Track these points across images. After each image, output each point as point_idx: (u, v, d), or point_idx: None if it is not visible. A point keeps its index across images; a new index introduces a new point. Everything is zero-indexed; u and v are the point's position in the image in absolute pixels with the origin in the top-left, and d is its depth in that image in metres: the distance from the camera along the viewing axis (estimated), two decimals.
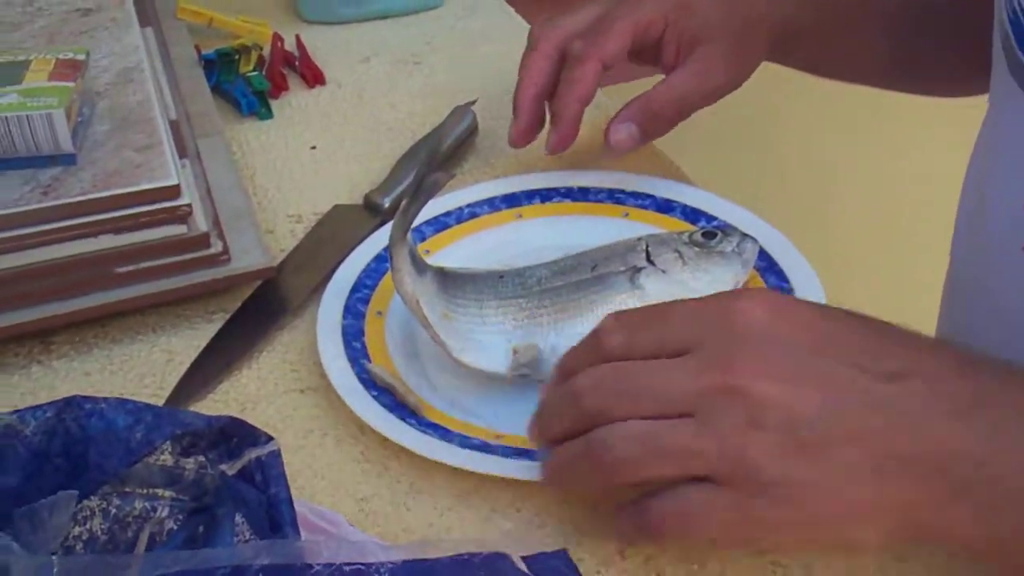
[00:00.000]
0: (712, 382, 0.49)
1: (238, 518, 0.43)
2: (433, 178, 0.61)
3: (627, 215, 0.75)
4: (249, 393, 0.66)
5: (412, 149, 0.82)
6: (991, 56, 0.69)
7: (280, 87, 0.93)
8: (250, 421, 0.50)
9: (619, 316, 0.54)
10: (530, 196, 0.77)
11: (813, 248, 0.70)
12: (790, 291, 0.67)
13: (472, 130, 0.84)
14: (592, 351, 0.54)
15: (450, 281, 0.66)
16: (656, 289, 0.66)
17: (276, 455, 0.47)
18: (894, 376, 0.49)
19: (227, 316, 0.71)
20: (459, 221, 0.75)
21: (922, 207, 1.20)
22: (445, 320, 0.64)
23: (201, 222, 0.70)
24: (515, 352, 0.64)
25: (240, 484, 0.45)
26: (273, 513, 0.44)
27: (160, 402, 0.65)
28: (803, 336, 0.50)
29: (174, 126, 0.77)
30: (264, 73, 0.93)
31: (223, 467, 0.46)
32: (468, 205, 0.76)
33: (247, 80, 0.92)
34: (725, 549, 0.54)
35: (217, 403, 0.66)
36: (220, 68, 0.93)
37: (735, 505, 0.49)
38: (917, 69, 0.85)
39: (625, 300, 0.65)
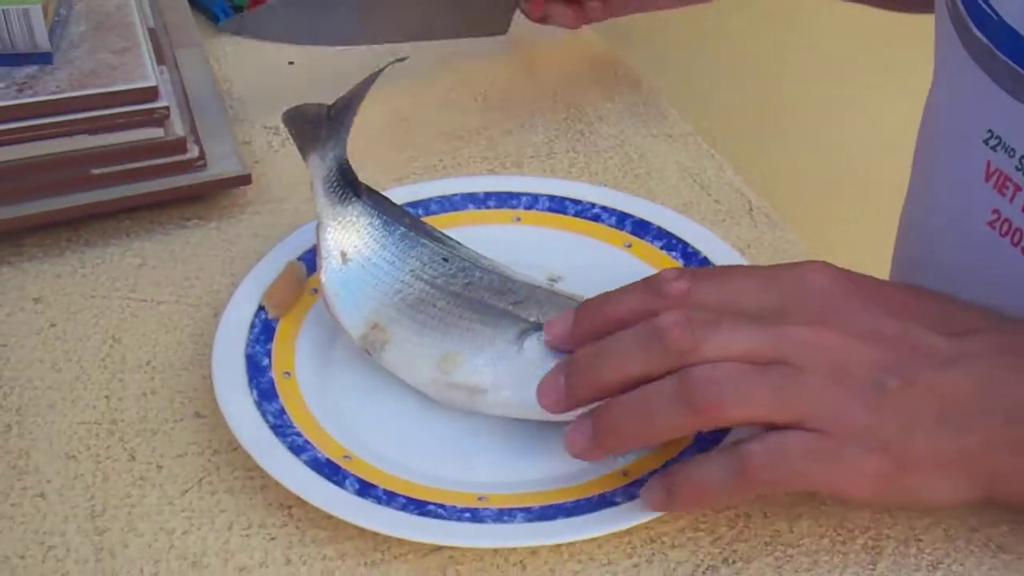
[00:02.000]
0: (799, 334, 0.49)
1: None
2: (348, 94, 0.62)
3: (630, 246, 0.67)
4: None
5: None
6: None
7: (258, 1, 0.92)
8: None
9: (680, 269, 0.54)
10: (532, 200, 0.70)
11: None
12: None
13: None
14: (649, 295, 0.52)
15: (380, 226, 0.61)
16: (531, 355, 0.56)
17: None
18: (966, 333, 0.50)
19: (201, 224, 0.71)
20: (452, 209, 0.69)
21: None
22: (340, 258, 0.60)
23: (178, 127, 0.70)
24: (374, 326, 0.59)
25: None
26: None
27: (132, 306, 0.65)
28: (875, 300, 0.51)
29: (152, 34, 0.76)
30: None
31: None
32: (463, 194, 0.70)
33: None
34: (825, 494, 0.53)
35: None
36: None
37: (830, 452, 0.48)
38: None
39: (503, 348, 0.57)
